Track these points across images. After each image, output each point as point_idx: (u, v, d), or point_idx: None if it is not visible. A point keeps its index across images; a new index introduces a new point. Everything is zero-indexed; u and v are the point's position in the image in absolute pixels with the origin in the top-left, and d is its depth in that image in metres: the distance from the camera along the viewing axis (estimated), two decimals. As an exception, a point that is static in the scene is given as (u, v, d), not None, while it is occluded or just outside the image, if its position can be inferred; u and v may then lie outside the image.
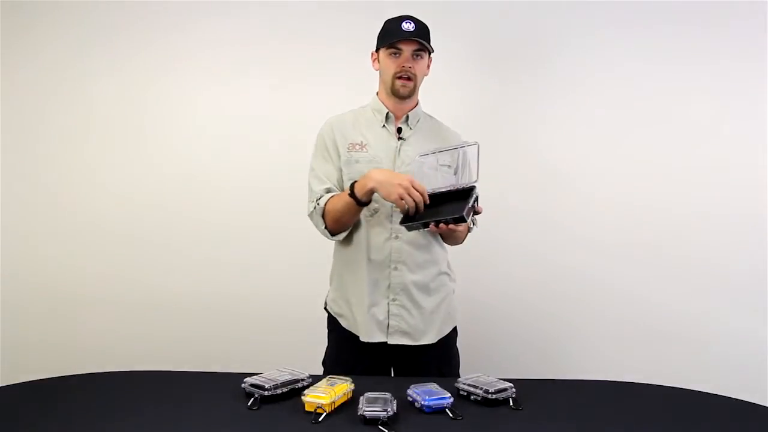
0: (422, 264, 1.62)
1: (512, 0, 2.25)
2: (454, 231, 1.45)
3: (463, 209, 1.40)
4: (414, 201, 1.42)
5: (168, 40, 2.33)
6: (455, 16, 2.22)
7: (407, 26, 1.56)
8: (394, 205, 1.57)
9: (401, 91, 1.59)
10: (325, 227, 1.60)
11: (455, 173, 1.67)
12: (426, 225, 1.45)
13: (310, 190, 1.64)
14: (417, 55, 1.58)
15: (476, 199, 1.44)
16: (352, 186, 1.51)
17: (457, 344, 1.73)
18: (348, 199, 1.51)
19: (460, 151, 1.66)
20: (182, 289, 2.34)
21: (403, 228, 1.51)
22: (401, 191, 1.42)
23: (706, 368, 2.16)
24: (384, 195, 1.47)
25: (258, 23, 2.31)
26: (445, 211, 1.43)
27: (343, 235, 1.62)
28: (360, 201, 1.50)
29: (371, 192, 1.49)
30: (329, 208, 1.56)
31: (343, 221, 1.58)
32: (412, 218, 1.47)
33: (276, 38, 2.30)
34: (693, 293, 2.21)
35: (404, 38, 1.55)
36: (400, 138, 1.63)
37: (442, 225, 1.42)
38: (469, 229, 1.69)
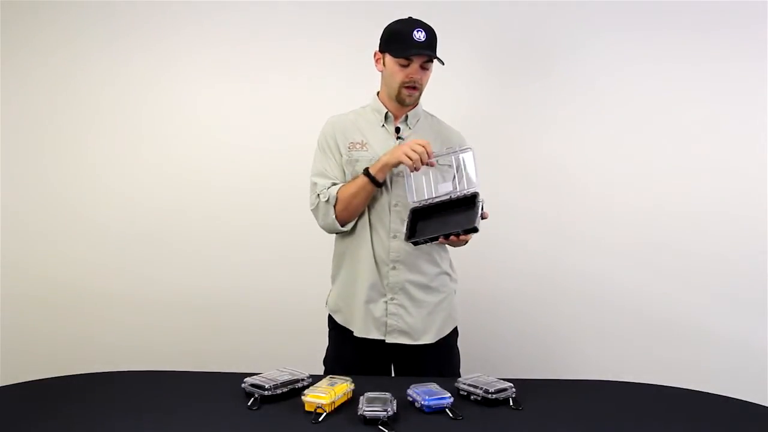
0: (421, 264, 1.62)
1: (515, 1, 2.25)
2: (464, 242, 1.45)
3: (475, 219, 1.38)
4: (418, 153, 1.45)
5: (170, 39, 2.33)
6: (457, 17, 2.21)
7: (419, 35, 1.53)
8: (391, 204, 1.58)
9: (407, 100, 1.60)
10: (335, 216, 1.59)
11: (456, 171, 1.67)
12: (435, 239, 1.43)
13: (314, 185, 1.64)
14: (425, 66, 1.57)
15: (482, 206, 1.43)
16: (365, 170, 1.54)
17: (458, 344, 1.73)
18: (362, 180, 1.53)
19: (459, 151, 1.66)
20: (183, 289, 2.34)
21: (402, 228, 1.51)
22: (404, 149, 1.46)
23: (706, 368, 2.16)
24: (392, 160, 1.50)
25: (260, 23, 2.30)
26: (453, 222, 1.42)
27: (351, 225, 1.61)
28: (375, 180, 1.53)
29: (384, 167, 1.52)
30: (341, 196, 1.57)
31: (354, 204, 1.57)
32: (414, 233, 1.46)
33: (278, 37, 2.30)
34: (693, 293, 2.20)
35: (417, 53, 1.53)
36: (398, 138, 1.63)
37: (452, 237, 1.41)
38: None
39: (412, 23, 1.56)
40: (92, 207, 2.36)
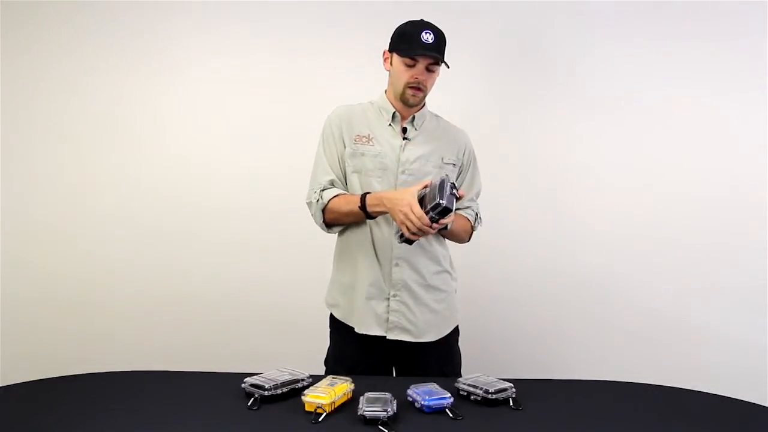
0: (423, 261, 1.62)
1: (516, 1, 2.25)
2: (446, 224, 1.41)
3: (444, 198, 1.33)
4: (413, 224, 1.38)
5: (172, 38, 2.33)
6: (458, 17, 2.21)
7: (427, 37, 1.53)
8: None
9: (411, 101, 1.60)
10: (323, 221, 1.61)
11: (460, 172, 1.68)
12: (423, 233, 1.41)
13: (314, 178, 1.64)
14: (431, 68, 1.57)
15: (453, 186, 1.38)
16: (363, 198, 1.51)
17: (458, 344, 1.73)
18: (357, 210, 1.52)
19: (465, 149, 1.68)
20: (182, 289, 2.34)
21: None
22: (408, 218, 1.39)
23: (706, 368, 2.16)
24: (393, 215, 1.46)
25: (260, 20, 2.30)
26: (430, 210, 1.38)
27: (338, 229, 1.64)
28: (369, 215, 1.53)
29: (383, 211, 1.50)
30: (333, 207, 1.57)
31: (344, 221, 1.61)
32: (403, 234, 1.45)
33: (279, 35, 2.30)
34: (693, 293, 2.21)
35: (423, 54, 1.53)
36: (404, 138, 1.63)
37: (435, 225, 1.38)
38: (473, 228, 1.70)
39: (422, 25, 1.56)
40: (92, 207, 2.35)
